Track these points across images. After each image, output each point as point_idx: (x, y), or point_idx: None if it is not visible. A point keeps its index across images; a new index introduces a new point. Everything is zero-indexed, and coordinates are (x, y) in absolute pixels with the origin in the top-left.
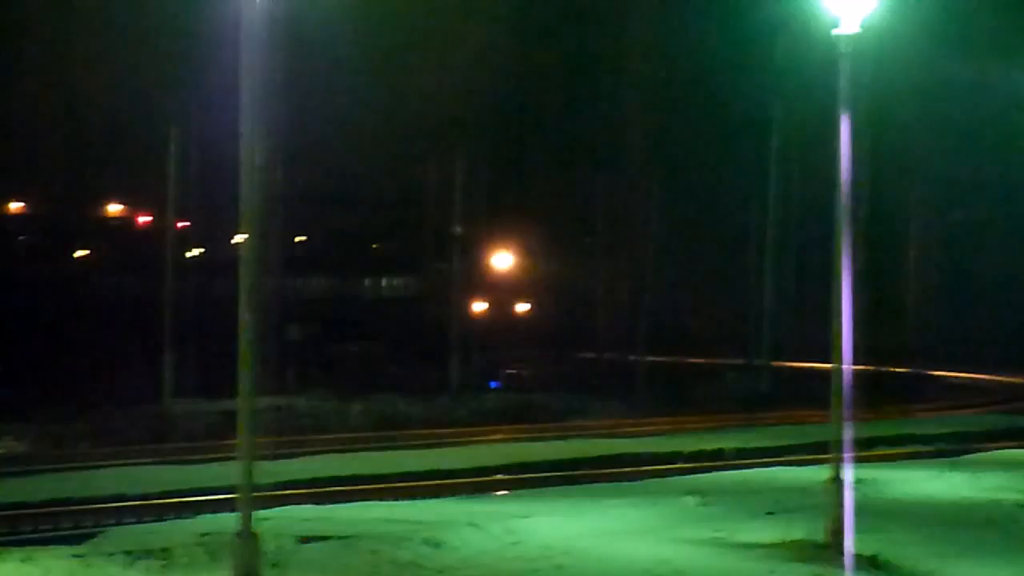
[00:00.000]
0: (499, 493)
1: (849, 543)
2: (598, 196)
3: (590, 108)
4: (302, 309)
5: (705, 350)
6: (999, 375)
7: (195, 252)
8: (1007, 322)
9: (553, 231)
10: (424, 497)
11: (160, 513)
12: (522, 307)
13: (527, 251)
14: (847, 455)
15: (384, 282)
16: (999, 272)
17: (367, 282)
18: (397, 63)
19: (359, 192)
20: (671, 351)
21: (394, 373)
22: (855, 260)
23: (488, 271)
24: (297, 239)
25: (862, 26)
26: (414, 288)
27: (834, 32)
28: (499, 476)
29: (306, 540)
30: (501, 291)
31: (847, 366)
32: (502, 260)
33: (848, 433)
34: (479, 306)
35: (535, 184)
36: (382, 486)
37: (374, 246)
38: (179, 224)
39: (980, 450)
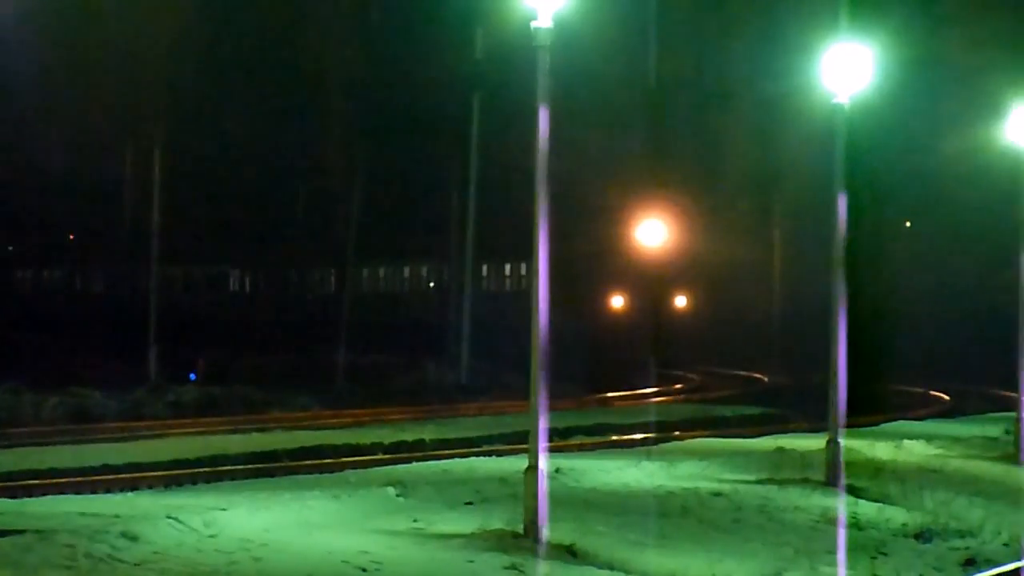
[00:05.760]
0: (197, 485)
1: (545, 532)
2: (299, 197)
3: (286, 100)
4: None
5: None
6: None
7: None
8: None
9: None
10: (121, 490)
11: None
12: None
13: None
14: (544, 445)
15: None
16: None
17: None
18: (94, 52)
19: (54, 181)
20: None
21: (91, 365)
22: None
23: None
24: None
25: (559, 20)
26: (109, 279)
27: (532, 24)
28: (201, 469)
29: None
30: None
31: (543, 356)
32: None
33: (545, 423)
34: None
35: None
36: (78, 479)
37: (71, 237)
38: None
39: (675, 439)
